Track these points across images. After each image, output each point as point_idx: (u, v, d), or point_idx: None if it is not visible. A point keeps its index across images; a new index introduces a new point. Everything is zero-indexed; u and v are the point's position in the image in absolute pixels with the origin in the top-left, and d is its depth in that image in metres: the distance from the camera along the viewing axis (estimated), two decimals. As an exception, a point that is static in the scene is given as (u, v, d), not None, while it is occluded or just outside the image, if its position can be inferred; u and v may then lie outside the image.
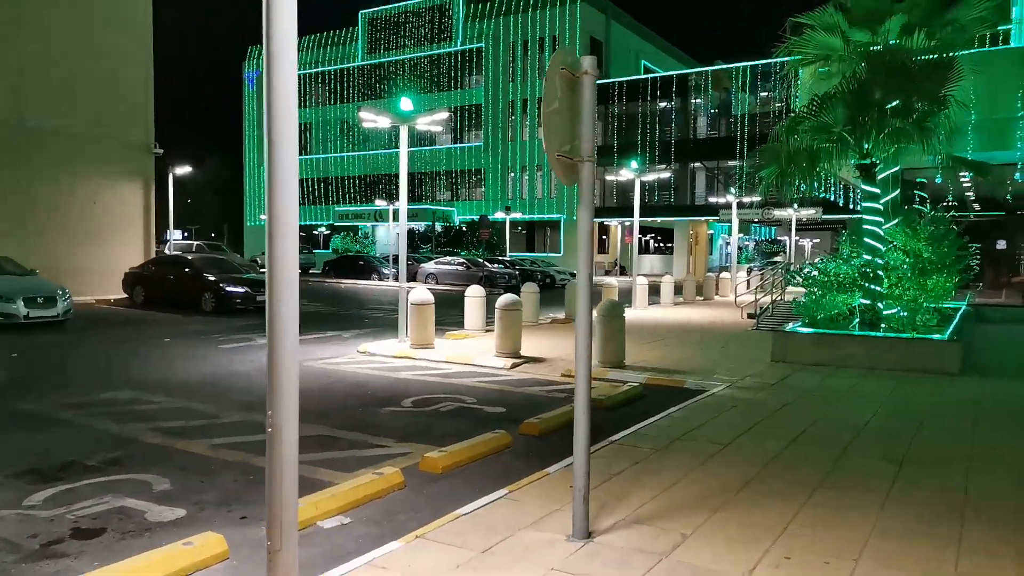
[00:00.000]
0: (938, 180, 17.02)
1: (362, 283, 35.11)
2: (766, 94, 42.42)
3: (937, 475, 5.44)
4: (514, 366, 10.84)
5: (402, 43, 54.54)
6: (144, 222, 23.16)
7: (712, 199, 42.12)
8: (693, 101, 44.95)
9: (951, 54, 11.24)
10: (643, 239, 55.53)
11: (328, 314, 19.54)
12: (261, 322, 16.38)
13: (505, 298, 11.52)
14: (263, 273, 34.74)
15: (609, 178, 42.16)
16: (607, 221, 49.54)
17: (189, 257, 21.86)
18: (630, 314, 19.73)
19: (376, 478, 5.22)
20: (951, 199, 17.90)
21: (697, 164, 45.11)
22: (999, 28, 19.13)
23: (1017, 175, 16.14)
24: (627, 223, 43.55)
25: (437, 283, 33.06)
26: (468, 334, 14.26)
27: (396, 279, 36.73)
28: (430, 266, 35.01)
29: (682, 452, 6.08)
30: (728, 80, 43.44)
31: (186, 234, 62.40)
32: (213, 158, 75.52)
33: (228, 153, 69.49)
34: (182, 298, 18.84)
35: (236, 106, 63.19)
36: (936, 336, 10.31)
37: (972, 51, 12.83)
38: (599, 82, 46.88)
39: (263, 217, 55.95)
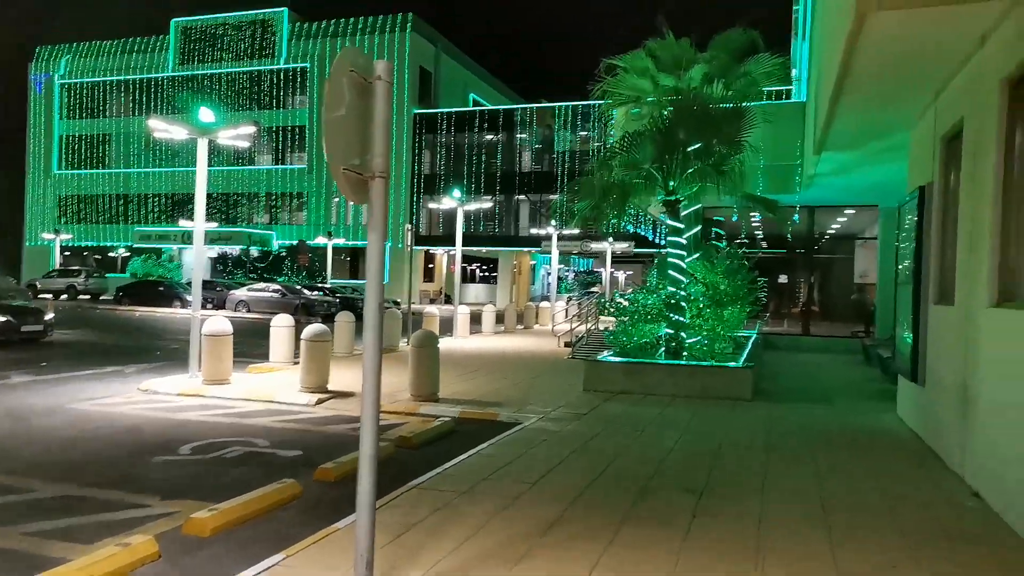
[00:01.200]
0: (734, 219, 18.46)
1: (161, 311, 31.99)
2: (585, 133, 44.59)
3: (734, 506, 5.47)
4: (319, 402, 10.01)
5: (219, 56, 51.34)
6: None
7: (535, 230, 43.33)
8: (518, 136, 46.21)
9: (745, 104, 12.18)
10: (469, 268, 55.94)
11: (112, 347, 17.37)
12: (21, 357, 14.14)
13: (312, 328, 10.68)
14: (36, 300, 30.49)
15: (434, 206, 42.00)
16: (433, 250, 49.32)
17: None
18: (451, 343, 19.47)
19: (119, 551, 4.30)
20: (743, 237, 19.53)
21: (521, 196, 46.29)
22: (786, 87, 21.37)
23: (795, 217, 17.91)
24: (452, 252, 43.69)
25: (249, 311, 30.89)
26: (274, 367, 13.15)
27: (203, 306, 34.01)
28: (241, 292, 32.67)
29: (488, 494, 5.69)
30: (551, 118, 45.19)
31: (-51, 253, 54.05)
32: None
33: (9, 165, 61.32)
34: (-76, 328, 15.87)
35: (19, 112, 56.09)
36: (732, 364, 10.90)
37: (763, 103, 14.03)
38: (427, 111, 47.16)
39: (47, 236, 49.83)
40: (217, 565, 4.47)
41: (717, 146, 11.58)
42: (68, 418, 8.80)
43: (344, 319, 15.66)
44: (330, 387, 10.75)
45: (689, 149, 11.63)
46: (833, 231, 20.28)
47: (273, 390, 10.67)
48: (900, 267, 9.06)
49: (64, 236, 50.33)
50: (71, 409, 9.33)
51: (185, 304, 33.68)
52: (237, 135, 11.34)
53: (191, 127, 10.78)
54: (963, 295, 6.38)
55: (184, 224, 41.67)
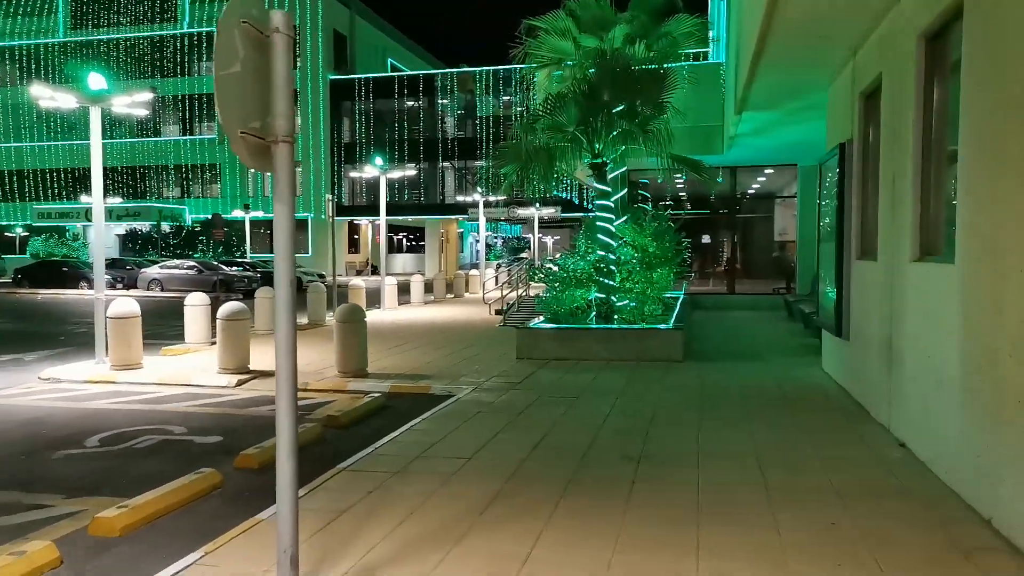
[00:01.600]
0: (660, 180, 18.54)
1: (66, 293, 30.13)
2: (508, 98, 44.09)
3: (671, 472, 5.43)
4: (240, 383, 9.53)
5: (114, 20, 48.06)
6: None
7: (461, 198, 42.81)
8: (440, 102, 45.27)
9: (667, 65, 12.10)
10: (395, 238, 55.01)
11: (9, 332, 16.18)
12: (-93, 348, 12.94)
13: (228, 306, 10.12)
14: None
15: (356, 175, 40.86)
16: (357, 220, 48.18)
17: None
18: (379, 315, 19.03)
19: (13, 561, 3.87)
20: (668, 198, 19.72)
21: (446, 164, 45.55)
22: (704, 50, 21.51)
23: (719, 178, 18.14)
24: (377, 222, 42.70)
25: (162, 289, 29.47)
26: (190, 348, 12.48)
27: (113, 286, 32.21)
28: (154, 271, 31.12)
29: (423, 472, 5.46)
30: (473, 83, 44.43)
31: None
32: None
33: None
34: None
35: None
36: (662, 326, 10.95)
37: (684, 64, 14.02)
38: (343, 77, 45.56)
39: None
40: (128, 568, 4.10)
41: (641, 107, 11.48)
42: (-42, 415, 8.06)
43: (264, 295, 15.00)
44: (252, 367, 10.25)
45: (614, 111, 11.49)
46: (754, 191, 20.72)
47: (189, 373, 10.10)
48: (822, 224, 9.21)
49: (-47, 216, 46.79)
50: (-39, 404, 8.56)
51: (92, 285, 31.86)
52: (133, 103, 10.48)
53: (80, 95, 9.87)
54: (886, 251, 6.48)
55: (85, 200, 39.26)
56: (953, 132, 5.03)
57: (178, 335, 13.47)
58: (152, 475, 5.74)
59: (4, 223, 49.69)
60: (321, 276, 31.08)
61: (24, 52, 49.16)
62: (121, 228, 46.17)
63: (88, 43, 48.10)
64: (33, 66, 48.88)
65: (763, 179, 20.62)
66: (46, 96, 9.92)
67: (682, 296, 15.48)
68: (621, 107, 11.45)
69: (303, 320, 16.98)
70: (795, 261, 18.74)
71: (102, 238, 11.00)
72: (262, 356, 11.47)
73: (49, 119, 48.79)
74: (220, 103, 3.02)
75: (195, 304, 12.85)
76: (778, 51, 7.83)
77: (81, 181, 48.03)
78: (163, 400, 8.78)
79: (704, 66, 16.98)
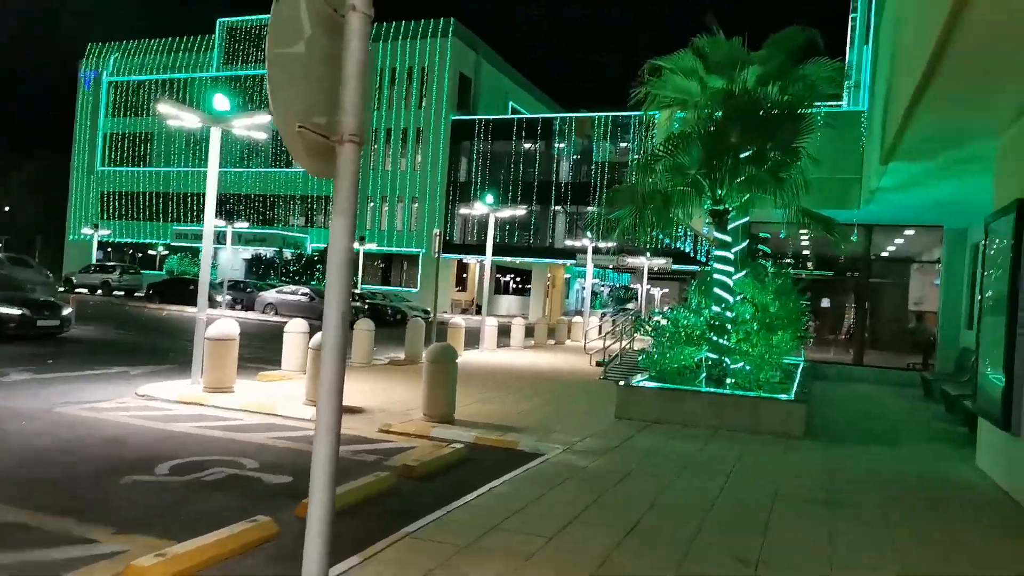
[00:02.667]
0: (783, 236, 17.26)
1: (190, 310, 31.63)
2: (625, 144, 43.51)
3: (796, 583, 4.43)
4: (324, 418, 9.14)
5: (263, 56, 51.45)
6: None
7: (570, 242, 42.31)
8: (556, 145, 45.31)
9: (804, 108, 11.09)
10: (502, 279, 55.12)
11: (128, 345, 16.81)
12: (31, 352, 13.58)
13: (320, 335, 9.83)
14: (72, 294, 30.50)
15: (466, 211, 41.21)
16: (467, 258, 48.61)
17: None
18: (475, 356, 18.56)
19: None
20: (790, 255, 18.29)
21: (557, 207, 45.32)
22: (836, 104, 20.11)
23: (854, 236, 16.60)
24: (484, 261, 42.89)
25: (277, 313, 30.46)
26: (286, 375, 12.38)
27: (233, 307, 33.72)
28: (270, 295, 32.31)
29: (494, 551, 4.72)
30: (590, 127, 44.22)
31: (-2, 244, 55.18)
32: (36, 162, 67.94)
33: (56, 157, 62.42)
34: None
35: (69, 105, 57.07)
36: (782, 396, 9.76)
37: (822, 108, 12.91)
38: (465, 118, 46.53)
39: (87, 230, 50.37)
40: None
41: (772, 151, 10.51)
42: (49, 423, 8.07)
43: (363, 326, 14.84)
44: (338, 401, 9.90)
45: (741, 156, 10.57)
46: (888, 253, 18.89)
47: (277, 401, 9.86)
48: (986, 295, 7.87)
49: (103, 232, 50.96)
50: (58, 413, 8.62)
51: (214, 305, 33.45)
52: (252, 125, 10.59)
53: (204, 114, 10.06)
54: (1084, 332, 5.24)
55: (218, 224, 41.65)
56: None
57: (280, 360, 13.45)
58: (211, 514, 5.33)
59: (149, 241, 53.61)
60: (426, 312, 31.24)
61: (181, 84, 53.50)
62: (248, 252, 48.73)
63: (236, 77, 51.72)
64: (188, 98, 53.10)
65: (901, 241, 18.78)
66: (172, 115, 10.18)
67: (802, 363, 14.08)
68: (749, 151, 10.52)
69: (399, 355, 16.76)
70: (935, 334, 16.79)
71: (209, 257, 11.14)
72: (353, 389, 11.15)
73: (195, 147, 52.65)
74: (274, 88, 2.51)
75: (294, 331, 12.80)
76: (945, 87, 6.73)
77: (219, 205, 51.26)
78: (244, 428, 8.51)
79: (843, 113, 15.66)
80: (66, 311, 16.79)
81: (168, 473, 6.46)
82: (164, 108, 9.87)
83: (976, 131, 8.10)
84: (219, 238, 46.49)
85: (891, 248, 18.88)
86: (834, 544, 5.16)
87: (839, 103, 20.13)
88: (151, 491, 5.96)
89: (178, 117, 10.28)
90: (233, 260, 49.04)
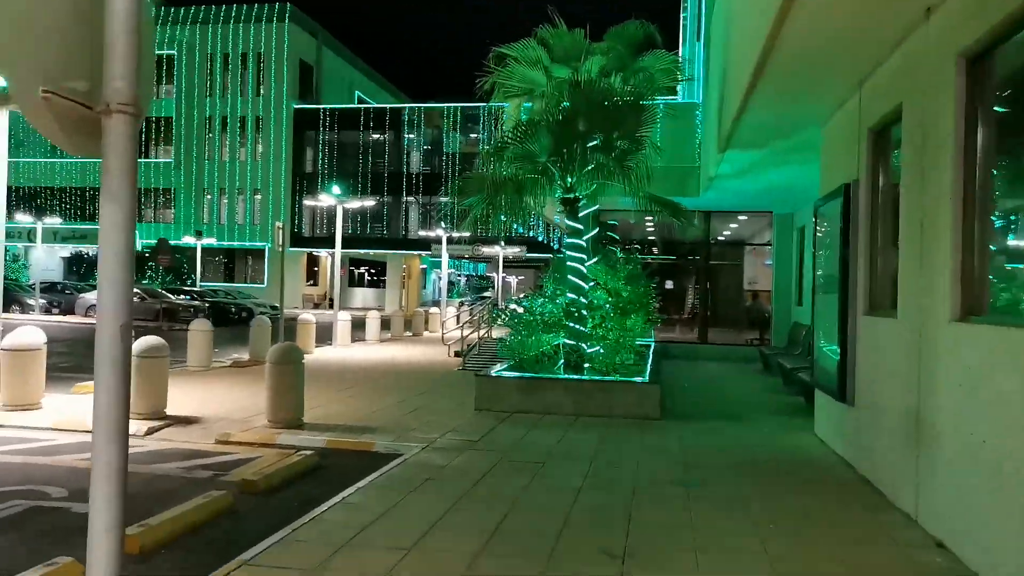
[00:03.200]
0: (632, 221, 17.78)
1: (-5, 317, 27.97)
2: (475, 135, 43.50)
3: None
4: (150, 432, 8.17)
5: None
6: None
7: (424, 233, 41.75)
8: (406, 136, 44.50)
9: (646, 99, 11.32)
10: (356, 272, 53.55)
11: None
12: None
13: (144, 341, 8.78)
14: None
15: (313, 203, 39.45)
16: (318, 252, 46.72)
17: None
18: (328, 353, 17.68)
19: None
20: (635, 242, 18.92)
21: (410, 198, 44.58)
22: (671, 97, 21.01)
23: (695, 221, 17.38)
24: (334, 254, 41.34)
25: (101, 317, 27.53)
26: (107, 386, 11.01)
27: (49, 311, 30.19)
28: (93, 296, 29.13)
29: (345, 572, 4.26)
30: (440, 118, 43.79)
31: None
32: None
33: None
34: None
35: None
36: (637, 379, 9.92)
37: (661, 100, 13.29)
38: (308, 107, 44.51)
39: None
40: None
41: (618, 140, 10.63)
42: None
43: (199, 327, 13.60)
44: (169, 411, 8.91)
45: (589, 144, 10.61)
46: (724, 237, 20.05)
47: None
48: (818, 274, 8.34)
49: None
50: None
51: (25, 308, 29.82)
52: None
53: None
54: (910, 307, 5.57)
55: (22, 220, 37.29)
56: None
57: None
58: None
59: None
60: (274, 308, 29.55)
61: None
62: (66, 250, 43.99)
63: None
64: (-18, 78, 46.94)
65: (735, 226, 20.00)
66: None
67: (652, 344, 14.54)
68: (597, 140, 10.59)
69: (243, 356, 15.61)
70: (770, 311, 18.01)
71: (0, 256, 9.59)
72: (186, 397, 10.16)
73: None
74: (7, 38, 1.91)
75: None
76: (773, 83, 7.05)
77: (28, 200, 45.86)
78: (52, 451, 7.39)
79: (680, 105, 16.31)
80: None
81: (-53, 514, 5.40)
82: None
83: (805, 120, 8.54)
84: (30, 235, 41.70)
85: (727, 232, 20.04)
86: (696, 528, 5.16)
87: (675, 96, 21.09)
88: (-79, 539, 4.93)
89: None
90: (47, 260, 44.09)
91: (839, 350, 7.07)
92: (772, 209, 17.13)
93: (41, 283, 32.21)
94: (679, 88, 20.28)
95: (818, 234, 8.43)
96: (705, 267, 19.25)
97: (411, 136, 44.60)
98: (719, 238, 19.78)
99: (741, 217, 18.96)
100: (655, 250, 19.85)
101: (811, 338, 13.48)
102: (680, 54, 20.50)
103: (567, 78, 11.30)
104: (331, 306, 42.78)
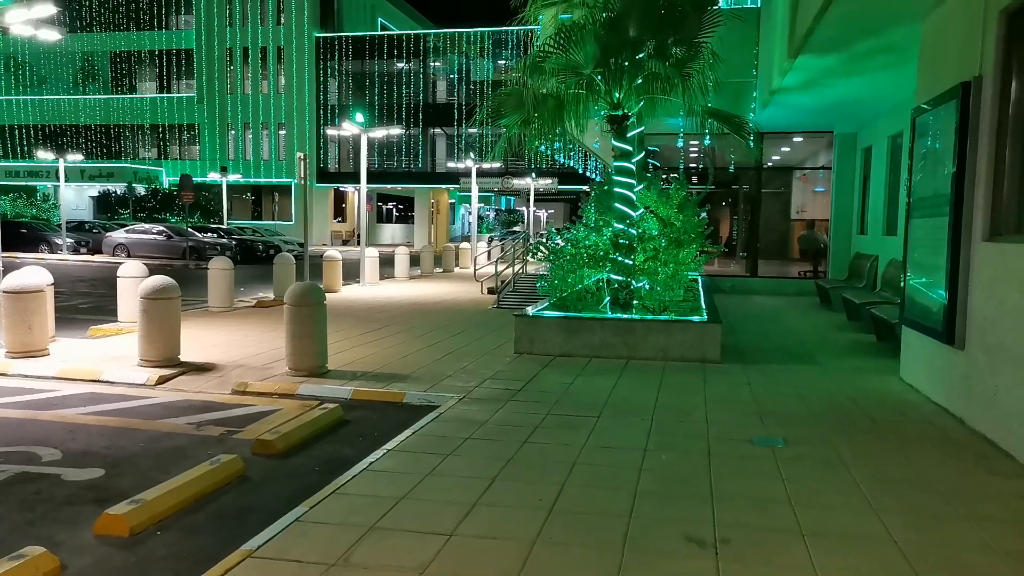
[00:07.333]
0: (678, 145, 16.46)
1: (23, 257, 27.77)
2: (504, 62, 41.52)
3: (772, 571, 3.43)
4: (162, 381, 7.45)
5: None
6: None
7: (452, 165, 40.46)
8: (433, 64, 42.69)
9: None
10: (384, 208, 52.66)
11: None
12: None
13: (153, 281, 7.99)
14: None
15: (334, 132, 38.18)
16: (345, 187, 45.79)
17: None
18: (356, 292, 16.92)
19: None
20: (680, 167, 17.58)
21: (437, 130, 43.09)
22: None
23: (751, 142, 15.97)
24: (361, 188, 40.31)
25: (128, 255, 27.22)
26: (123, 329, 10.40)
27: (77, 251, 29.92)
28: (119, 235, 28.88)
29: (371, 570, 3.43)
30: (468, 44, 41.82)
31: None
32: None
33: None
34: None
35: None
36: (695, 318, 8.91)
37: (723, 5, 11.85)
38: (329, 35, 42.78)
39: None
40: None
41: (674, 47, 9.34)
42: None
43: (218, 265, 12.85)
44: (184, 357, 8.19)
45: (639, 55, 9.33)
46: (773, 162, 18.57)
47: (105, 363, 8.02)
48: (915, 198, 7.15)
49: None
50: None
51: (54, 248, 29.58)
52: (30, 18, 8.22)
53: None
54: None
55: (43, 157, 36.80)
56: None
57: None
58: (-38, 547, 3.72)
59: (-29, 181, 47.04)
60: (302, 245, 28.89)
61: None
62: (94, 189, 43.68)
63: (59, -9, 44.98)
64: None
65: (787, 149, 18.51)
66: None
67: (701, 280, 13.46)
68: (649, 46, 9.29)
69: (269, 295, 14.93)
70: (826, 242, 16.72)
71: None
72: (204, 340, 9.47)
73: (18, 71, 46.01)
74: None
75: (129, 275, 10.72)
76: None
77: (53, 138, 45.42)
78: (53, 403, 6.72)
79: (742, 10, 14.68)
80: None
81: (-80, 483, 4.71)
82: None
83: (901, 10, 7.22)
84: (56, 175, 41.40)
85: (776, 157, 18.57)
86: (795, 502, 4.24)
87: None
88: None
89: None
90: (77, 199, 43.86)
91: (947, 283, 5.97)
92: (833, 128, 15.62)
93: (68, 222, 31.86)
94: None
95: (919, 150, 7.19)
96: (754, 195, 17.89)
97: (437, 64, 42.79)
98: (769, 163, 18.33)
99: (796, 139, 17.44)
100: (695, 179, 18.54)
101: (877, 269, 12.34)
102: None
103: (612, -22, 9.93)
104: (359, 243, 42.18)
